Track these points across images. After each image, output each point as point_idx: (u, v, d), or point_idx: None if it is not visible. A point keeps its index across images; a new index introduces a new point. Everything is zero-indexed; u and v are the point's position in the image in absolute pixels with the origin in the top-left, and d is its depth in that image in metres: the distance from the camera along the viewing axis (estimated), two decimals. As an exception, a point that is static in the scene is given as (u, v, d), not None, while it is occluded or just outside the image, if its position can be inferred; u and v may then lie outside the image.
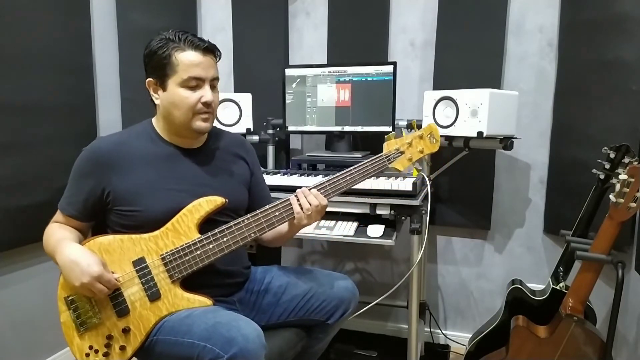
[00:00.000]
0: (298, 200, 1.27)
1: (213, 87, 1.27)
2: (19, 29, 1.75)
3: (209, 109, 1.26)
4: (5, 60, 1.71)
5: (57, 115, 1.92)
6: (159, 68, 1.22)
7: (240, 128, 2.10)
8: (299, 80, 2.09)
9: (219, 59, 1.29)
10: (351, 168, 1.31)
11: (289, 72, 2.10)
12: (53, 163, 1.89)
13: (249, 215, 1.25)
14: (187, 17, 2.42)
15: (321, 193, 1.28)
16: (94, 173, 1.23)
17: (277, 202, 1.27)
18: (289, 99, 2.11)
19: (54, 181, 1.86)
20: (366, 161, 1.33)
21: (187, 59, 1.21)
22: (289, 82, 2.10)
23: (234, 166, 1.40)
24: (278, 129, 2.19)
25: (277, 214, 1.26)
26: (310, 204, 1.26)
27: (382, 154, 1.33)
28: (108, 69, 2.21)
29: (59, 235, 1.23)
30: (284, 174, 1.90)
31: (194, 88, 1.22)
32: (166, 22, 2.27)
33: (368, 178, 1.33)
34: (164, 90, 1.24)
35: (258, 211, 1.25)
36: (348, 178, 1.31)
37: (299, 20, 2.35)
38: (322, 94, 2.07)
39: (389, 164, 1.32)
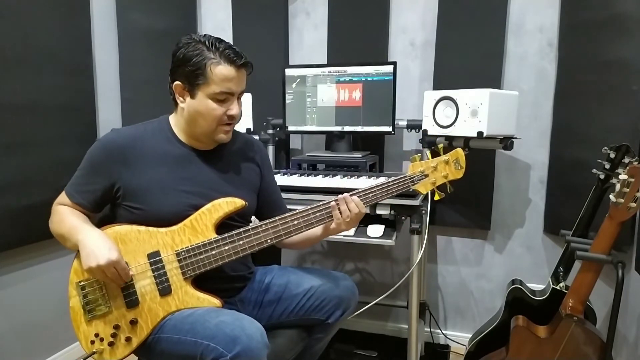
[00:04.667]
0: (338, 206, 1.27)
1: (238, 99, 1.27)
2: (19, 29, 1.75)
3: (233, 121, 1.27)
4: (5, 60, 1.71)
5: (57, 115, 1.92)
6: (191, 76, 1.21)
7: (240, 128, 2.08)
8: (299, 80, 2.09)
9: (250, 73, 1.29)
10: (374, 186, 1.30)
11: (289, 72, 2.10)
12: (53, 163, 1.89)
13: (267, 221, 1.26)
14: (187, 17, 2.41)
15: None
16: (107, 166, 1.23)
17: (296, 210, 1.27)
18: (289, 99, 2.11)
19: (54, 181, 1.86)
20: (389, 181, 1.32)
21: (222, 74, 1.20)
22: (289, 82, 2.10)
23: (246, 171, 1.40)
24: (278, 129, 2.19)
25: (295, 222, 1.26)
26: (350, 211, 1.26)
27: (406, 175, 1.32)
28: (108, 69, 2.21)
29: (81, 219, 1.24)
30: (284, 174, 1.90)
31: (222, 101, 1.23)
32: (166, 22, 2.27)
33: (390, 197, 1.32)
34: (192, 97, 1.23)
35: (277, 218, 1.26)
36: (370, 196, 1.30)
37: (299, 20, 2.35)
38: (322, 94, 2.07)
39: (412, 185, 1.32)
